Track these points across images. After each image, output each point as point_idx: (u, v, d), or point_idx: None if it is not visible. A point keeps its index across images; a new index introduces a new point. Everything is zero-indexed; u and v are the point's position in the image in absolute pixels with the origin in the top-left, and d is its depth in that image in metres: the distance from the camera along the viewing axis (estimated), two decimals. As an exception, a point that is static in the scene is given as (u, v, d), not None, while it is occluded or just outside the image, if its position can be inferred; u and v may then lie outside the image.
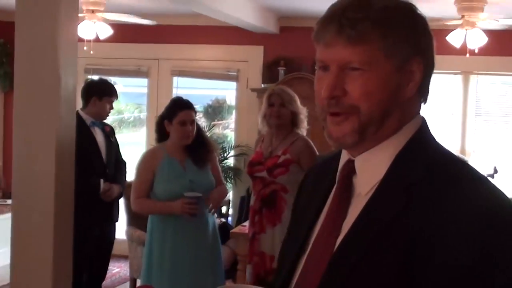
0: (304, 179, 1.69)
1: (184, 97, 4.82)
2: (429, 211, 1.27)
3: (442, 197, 1.28)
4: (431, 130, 1.42)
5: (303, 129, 4.95)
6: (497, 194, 1.31)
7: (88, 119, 5.45)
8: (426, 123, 1.42)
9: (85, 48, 6.49)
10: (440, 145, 1.41)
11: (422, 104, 1.43)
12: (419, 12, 1.39)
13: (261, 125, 5.00)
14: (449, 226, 1.25)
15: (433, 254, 1.24)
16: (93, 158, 5.39)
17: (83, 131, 5.15)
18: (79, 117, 5.07)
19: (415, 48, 1.35)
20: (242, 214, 7.49)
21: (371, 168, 1.39)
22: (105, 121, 5.65)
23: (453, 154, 1.41)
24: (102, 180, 5.37)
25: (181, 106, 4.60)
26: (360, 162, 1.40)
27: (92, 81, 5.94)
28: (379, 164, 1.37)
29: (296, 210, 1.64)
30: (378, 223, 1.32)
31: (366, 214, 1.35)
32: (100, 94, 5.50)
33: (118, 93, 5.69)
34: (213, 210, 4.67)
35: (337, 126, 1.38)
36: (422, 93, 1.41)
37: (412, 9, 1.38)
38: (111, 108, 5.60)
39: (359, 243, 1.32)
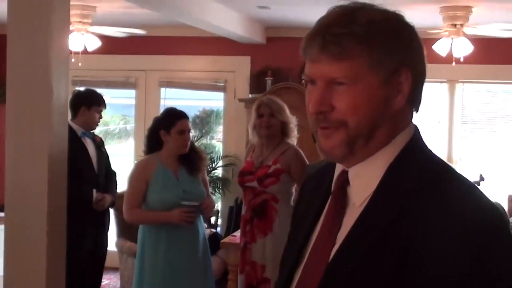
0: (304, 186, 1.69)
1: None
2: (420, 220, 1.28)
3: (433, 206, 1.29)
4: (423, 138, 1.43)
5: (293, 138, 4.97)
6: (485, 202, 1.31)
7: (78, 130, 5.45)
8: (418, 132, 1.43)
9: (73, 60, 6.51)
10: (432, 153, 1.42)
11: (414, 113, 1.44)
12: (406, 22, 1.39)
13: (251, 135, 5.02)
14: (439, 236, 1.26)
15: (424, 265, 1.25)
16: (85, 168, 5.39)
17: (74, 141, 5.12)
18: (69, 128, 4.95)
19: (401, 60, 1.35)
20: (231, 224, 7.50)
21: (364, 179, 1.39)
22: (94, 131, 5.65)
23: (444, 162, 1.42)
24: (94, 190, 5.38)
25: (178, 116, 4.65)
26: (353, 173, 1.41)
27: (80, 91, 5.93)
28: (372, 175, 1.38)
29: (295, 217, 1.63)
30: (372, 232, 1.32)
31: (360, 224, 1.35)
32: (89, 103, 5.51)
33: (105, 103, 5.71)
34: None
35: (327, 139, 1.39)
36: (413, 103, 1.41)
37: (398, 20, 1.38)
38: (100, 117, 5.61)
39: (354, 253, 1.33)
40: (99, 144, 5.59)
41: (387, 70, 1.34)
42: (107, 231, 5.68)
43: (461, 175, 1.38)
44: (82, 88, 8.29)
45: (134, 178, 4.67)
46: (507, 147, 7.94)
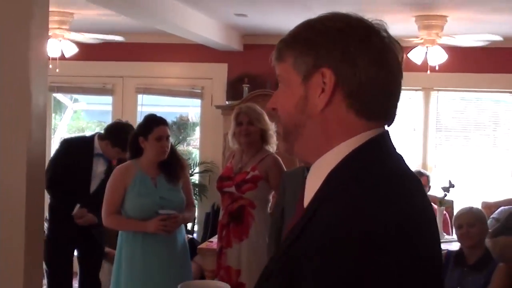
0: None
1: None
2: (308, 230, 1.29)
3: (320, 217, 1.29)
4: (379, 149, 1.38)
5: (273, 145, 5.00)
6: (358, 214, 1.24)
7: (98, 149, 5.63)
8: (371, 143, 1.37)
9: (50, 66, 6.50)
10: (380, 165, 1.36)
11: (370, 122, 1.39)
12: (338, 24, 1.38)
13: (231, 142, 5.05)
14: (310, 243, 1.26)
15: (302, 275, 1.26)
16: (78, 182, 5.57)
17: (84, 156, 5.54)
18: (91, 143, 5.57)
19: (320, 59, 1.36)
20: (207, 230, 7.52)
21: (310, 183, 1.42)
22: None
23: (380, 177, 1.33)
24: (78, 205, 5.53)
25: (156, 122, 4.62)
26: (307, 176, 1.46)
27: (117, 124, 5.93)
28: (315, 180, 1.39)
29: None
30: (289, 239, 1.36)
31: (291, 230, 1.39)
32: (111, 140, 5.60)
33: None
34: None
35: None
36: (353, 106, 1.37)
37: (322, 23, 1.40)
38: (113, 151, 5.58)
39: (275, 258, 1.40)
40: (112, 168, 5.51)
41: (305, 69, 1.37)
42: (100, 245, 5.77)
43: (376, 187, 1.30)
44: (58, 95, 8.35)
45: (113, 183, 4.65)
46: (480, 154, 8.05)
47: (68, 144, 5.84)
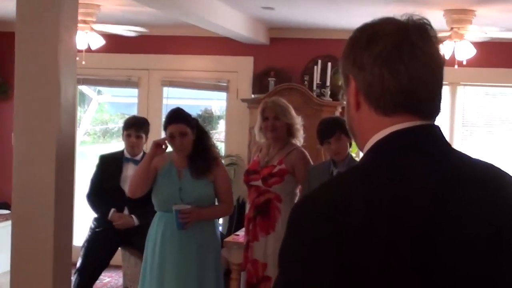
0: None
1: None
2: None
3: None
4: (390, 145, 1.42)
5: (300, 138, 5.00)
6: (309, 200, 1.41)
7: (127, 155, 5.99)
8: (394, 136, 1.42)
9: (77, 58, 6.52)
10: (383, 162, 1.40)
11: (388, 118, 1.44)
12: (361, 30, 1.48)
13: (258, 136, 5.06)
14: None
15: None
16: (109, 189, 5.89)
17: (113, 165, 5.94)
18: (121, 153, 6.01)
19: (345, 70, 1.50)
20: (233, 223, 7.52)
21: None
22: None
23: (374, 174, 1.37)
24: (113, 210, 5.80)
25: (169, 120, 4.69)
26: None
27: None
28: None
29: None
30: None
31: None
32: (123, 130, 6.07)
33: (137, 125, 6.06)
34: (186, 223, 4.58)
35: None
36: (373, 106, 1.44)
37: (357, 30, 1.49)
38: (131, 141, 5.96)
39: None
40: None
41: (343, 78, 1.52)
42: (138, 247, 5.78)
43: (355, 178, 1.38)
44: (84, 87, 8.45)
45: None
46: (505, 150, 7.98)
47: (103, 160, 6.16)
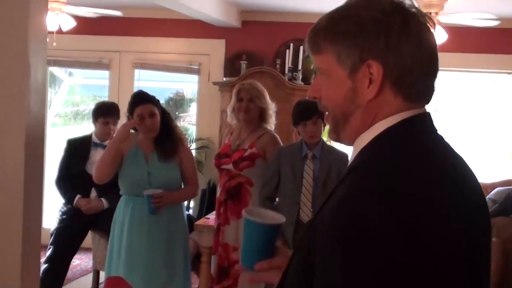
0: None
1: (146, 90, 4.86)
2: (328, 202, 1.35)
3: (338, 191, 1.34)
4: (410, 130, 1.40)
5: (271, 124, 5.01)
6: (367, 190, 1.27)
7: (96, 140, 6.00)
8: (408, 122, 1.40)
9: (47, 39, 6.44)
10: (404, 144, 1.38)
11: (411, 102, 1.42)
12: (374, 14, 1.39)
13: (230, 118, 5.05)
14: (321, 224, 1.31)
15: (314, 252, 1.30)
16: (77, 174, 5.89)
17: (80, 149, 5.95)
18: (89, 138, 5.99)
19: (365, 52, 1.38)
20: (203, 207, 7.52)
21: (350, 161, 1.47)
22: None
23: (408, 155, 1.35)
24: (78, 196, 5.85)
25: (137, 101, 4.64)
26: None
27: (96, 103, 6.35)
28: (352, 158, 1.45)
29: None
30: (318, 214, 1.41)
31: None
32: (95, 116, 6.04)
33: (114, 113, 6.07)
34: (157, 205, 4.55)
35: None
36: (400, 91, 1.40)
37: (357, 13, 1.40)
38: (109, 128, 5.96)
39: (300, 235, 1.45)
40: None
41: (351, 63, 1.40)
42: (103, 229, 5.83)
43: (395, 168, 1.32)
44: (55, 69, 8.37)
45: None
46: (476, 135, 8.06)
47: (70, 145, 6.13)
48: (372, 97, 1.39)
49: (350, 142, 1.48)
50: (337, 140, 1.51)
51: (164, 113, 4.77)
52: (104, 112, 6.00)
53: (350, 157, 1.48)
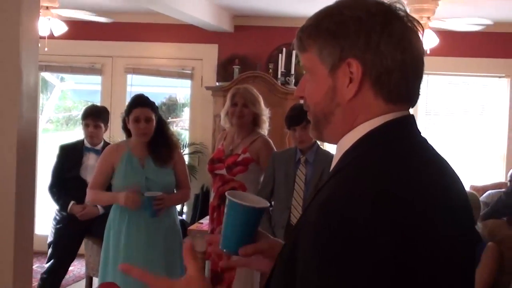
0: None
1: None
2: (312, 203, 1.34)
3: (322, 192, 1.34)
4: (395, 132, 1.39)
5: (265, 130, 5.00)
6: (352, 188, 1.27)
7: (88, 145, 5.98)
8: (390, 124, 1.40)
9: (39, 45, 6.42)
10: (390, 145, 1.37)
11: (393, 104, 1.41)
12: (357, 13, 1.39)
13: (223, 121, 5.06)
14: (304, 220, 1.33)
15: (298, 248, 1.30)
16: (70, 179, 5.89)
17: (73, 155, 5.93)
18: (81, 143, 5.99)
19: (345, 51, 1.38)
20: (197, 212, 7.52)
21: (333, 163, 1.46)
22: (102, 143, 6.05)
23: (392, 158, 1.35)
24: (72, 202, 5.81)
25: (135, 103, 4.66)
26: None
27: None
28: (336, 159, 1.45)
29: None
30: (302, 215, 1.41)
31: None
32: (82, 120, 6.07)
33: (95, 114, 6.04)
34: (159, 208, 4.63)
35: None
36: (381, 92, 1.39)
37: (340, 12, 1.40)
38: (90, 131, 5.96)
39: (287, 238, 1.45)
40: None
41: (331, 61, 1.40)
42: (96, 236, 5.81)
43: (378, 168, 1.31)
44: (46, 74, 8.35)
45: (101, 161, 4.80)
46: (468, 139, 8.08)
47: (63, 150, 6.11)
48: (351, 96, 1.39)
49: (333, 142, 1.48)
50: (319, 138, 1.51)
51: (161, 121, 4.80)
52: (83, 115, 6.06)
53: (333, 158, 1.46)
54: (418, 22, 1.44)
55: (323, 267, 1.21)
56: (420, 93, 1.45)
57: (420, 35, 1.43)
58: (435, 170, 1.39)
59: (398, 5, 1.42)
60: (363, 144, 1.39)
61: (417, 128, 1.44)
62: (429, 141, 1.45)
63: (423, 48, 1.44)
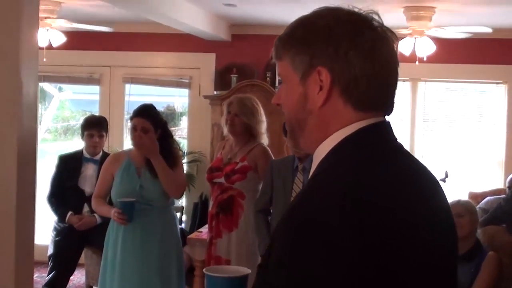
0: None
1: (137, 105, 4.89)
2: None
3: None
4: (367, 139, 1.41)
5: (263, 141, 4.99)
6: (325, 193, 1.30)
7: (86, 155, 6.02)
8: (365, 131, 1.41)
9: (38, 55, 6.45)
10: (365, 156, 1.38)
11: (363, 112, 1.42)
12: (328, 22, 1.41)
13: (224, 129, 5.08)
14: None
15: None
16: (69, 189, 5.94)
17: (72, 165, 5.95)
18: (80, 153, 6.01)
19: (315, 59, 1.40)
20: (196, 220, 7.52)
21: (311, 171, 1.47)
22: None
23: (365, 164, 1.37)
24: (70, 213, 5.86)
25: (135, 113, 4.70)
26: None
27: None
28: (313, 167, 1.46)
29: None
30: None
31: None
32: (82, 131, 6.11)
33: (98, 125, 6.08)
34: None
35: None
36: (350, 100, 1.40)
37: (313, 21, 1.43)
38: (93, 140, 5.99)
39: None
40: None
41: (302, 68, 1.42)
42: (95, 246, 5.87)
43: (341, 173, 1.35)
44: (45, 85, 8.37)
45: (103, 169, 4.87)
46: (466, 145, 8.10)
47: (62, 160, 6.14)
48: (321, 103, 1.41)
49: (309, 150, 1.49)
50: (295, 146, 1.53)
51: (165, 135, 4.77)
52: (87, 125, 6.06)
53: (312, 167, 1.47)
54: (392, 32, 1.45)
55: (291, 269, 1.23)
56: (395, 101, 1.46)
57: (395, 46, 1.45)
58: (408, 175, 1.40)
59: (373, 15, 1.44)
60: (337, 151, 1.40)
61: (393, 134, 1.46)
62: (405, 147, 1.47)
63: (396, 57, 1.45)
